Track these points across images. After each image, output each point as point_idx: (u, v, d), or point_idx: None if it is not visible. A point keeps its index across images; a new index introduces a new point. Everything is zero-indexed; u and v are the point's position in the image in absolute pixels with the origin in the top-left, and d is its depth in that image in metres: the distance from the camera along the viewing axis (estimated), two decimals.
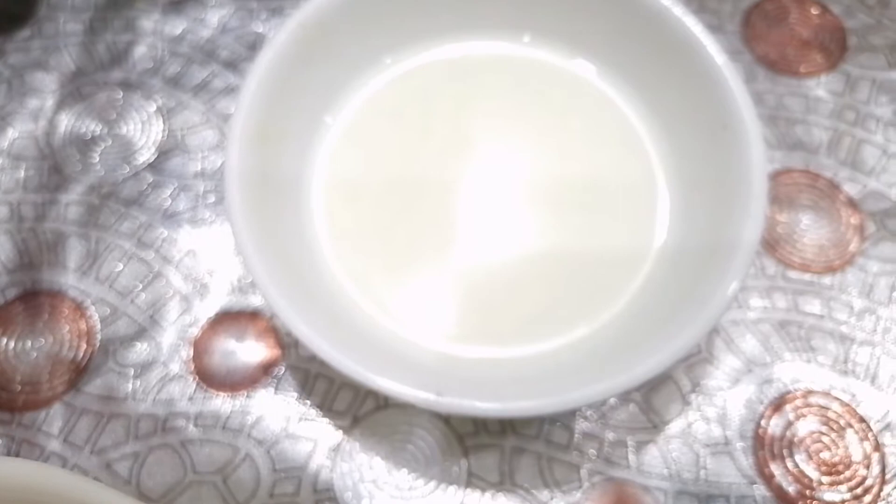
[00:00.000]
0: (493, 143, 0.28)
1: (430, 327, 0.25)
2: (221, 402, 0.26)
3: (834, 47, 0.32)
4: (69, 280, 0.28)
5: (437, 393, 0.21)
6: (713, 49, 0.25)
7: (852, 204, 0.29)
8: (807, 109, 0.31)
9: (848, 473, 0.25)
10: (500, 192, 0.27)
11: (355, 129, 0.27)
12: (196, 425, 0.26)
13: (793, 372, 0.27)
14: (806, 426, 0.26)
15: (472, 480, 0.25)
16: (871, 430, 0.26)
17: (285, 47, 0.26)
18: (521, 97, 0.28)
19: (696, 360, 0.27)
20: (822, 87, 0.32)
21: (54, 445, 0.26)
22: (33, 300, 0.28)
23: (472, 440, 0.26)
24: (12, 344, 0.27)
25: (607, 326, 0.25)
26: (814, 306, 0.28)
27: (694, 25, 0.26)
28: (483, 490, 0.25)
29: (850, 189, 0.30)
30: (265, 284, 0.22)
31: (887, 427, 0.26)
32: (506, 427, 0.26)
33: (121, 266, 0.28)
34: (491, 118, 0.28)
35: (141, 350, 0.27)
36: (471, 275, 0.26)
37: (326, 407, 0.26)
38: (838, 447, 0.26)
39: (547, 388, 0.22)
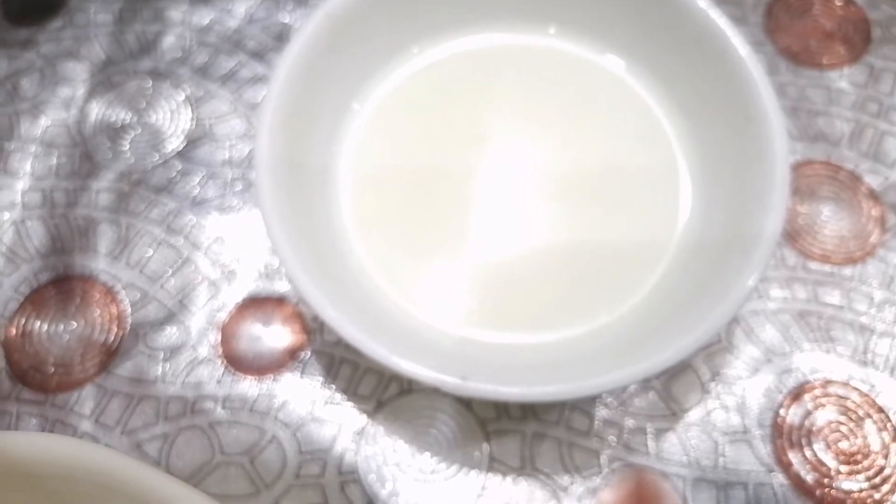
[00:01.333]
0: (516, 133, 0.28)
1: (454, 313, 0.25)
2: (248, 386, 0.27)
3: (857, 39, 0.32)
4: (100, 265, 0.29)
5: (462, 377, 0.21)
6: (737, 41, 0.25)
7: (873, 196, 0.29)
8: (829, 101, 0.31)
9: (866, 463, 0.25)
10: (522, 181, 0.27)
11: (381, 119, 0.28)
12: (224, 408, 0.26)
13: (812, 362, 0.27)
14: (824, 416, 0.26)
15: (493, 465, 0.26)
16: (889, 420, 0.26)
17: (313, 38, 0.26)
18: (545, 88, 0.29)
19: (716, 349, 0.27)
20: (844, 79, 0.32)
21: (86, 426, 0.26)
22: (66, 284, 0.29)
23: (493, 425, 0.26)
24: (45, 327, 0.28)
25: (628, 315, 0.25)
26: (834, 297, 0.28)
27: (718, 17, 0.26)
28: (504, 474, 0.25)
29: (872, 181, 0.30)
30: (294, 269, 0.23)
31: None
32: (527, 412, 0.26)
33: (151, 252, 0.29)
34: (515, 109, 0.28)
35: (170, 334, 0.28)
36: (493, 262, 0.26)
37: (351, 391, 0.27)
38: (857, 437, 0.26)
39: (568, 374, 0.22)
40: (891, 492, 0.25)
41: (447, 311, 0.25)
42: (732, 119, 0.25)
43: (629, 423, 0.26)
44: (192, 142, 0.31)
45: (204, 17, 0.33)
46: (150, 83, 0.32)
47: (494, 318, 0.25)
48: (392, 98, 0.28)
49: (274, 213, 0.23)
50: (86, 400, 0.27)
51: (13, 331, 0.28)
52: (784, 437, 0.26)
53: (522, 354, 0.25)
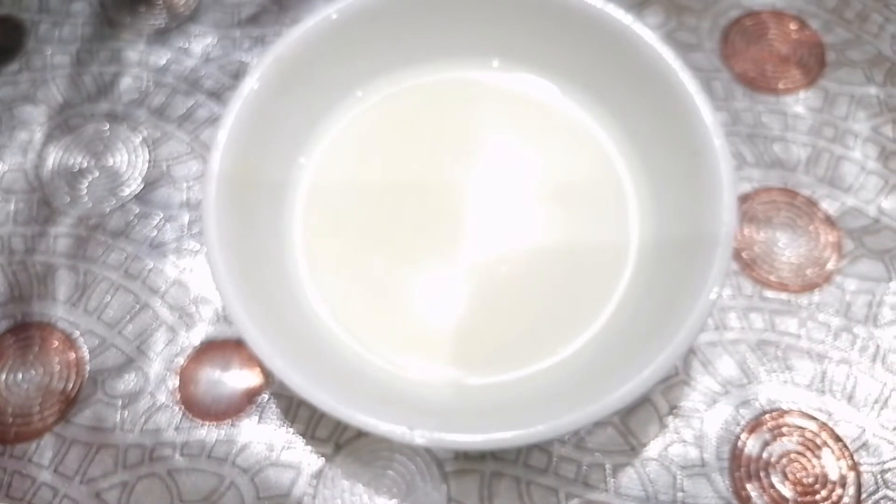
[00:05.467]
0: (466, 167, 0.28)
1: (407, 357, 0.25)
2: (207, 431, 0.27)
3: (812, 63, 0.33)
4: (59, 312, 0.29)
5: (409, 427, 0.21)
6: (685, 76, 0.25)
7: (830, 221, 0.29)
8: (785, 127, 0.31)
9: (824, 493, 0.25)
10: (473, 216, 0.27)
11: (331, 162, 0.28)
12: (182, 454, 0.26)
13: (770, 392, 0.27)
14: (782, 446, 0.26)
15: None
16: (847, 449, 0.26)
17: (262, 80, 0.26)
18: (492, 120, 0.29)
19: (673, 381, 0.27)
20: (800, 104, 0.32)
21: (45, 476, 0.26)
22: (24, 332, 0.29)
23: (451, 465, 0.26)
24: (3, 376, 0.28)
25: (583, 350, 0.25)
26: (791, 326, 0.28)
27: (666, 53, 0.26)
28: None
29: (829, 206, 0.30)
30: (241, 319, 0.23)
31: (864, 446, 0.26)
32: (485, 452, 0.26)
33: (108, 297, 0.29)
34: (463, 142, 0.28)
35: (128, 380, 0.28)
36: (445, 300, 0.26)
37: (309, 434, 0.27)
38: (815, 467, 0.26)
39: (520, 419, 0.22)
40: None
41: (399, 356, 0.25)
42: (680, 152, 0.25)
43: (587, 459, 0.26)
44: (150, 184, 0.31)
45: (161, 57, 0.33)
46: (107, 126, 0.32)
47: (446, 360, 0.25)
48: (341, 140, 0.28)
49: (221, 262, 0.23)
50: (45, 450, 0.27)
51: None
52: (742, 469, 0.26)
53: (476, 397, 0.25)
